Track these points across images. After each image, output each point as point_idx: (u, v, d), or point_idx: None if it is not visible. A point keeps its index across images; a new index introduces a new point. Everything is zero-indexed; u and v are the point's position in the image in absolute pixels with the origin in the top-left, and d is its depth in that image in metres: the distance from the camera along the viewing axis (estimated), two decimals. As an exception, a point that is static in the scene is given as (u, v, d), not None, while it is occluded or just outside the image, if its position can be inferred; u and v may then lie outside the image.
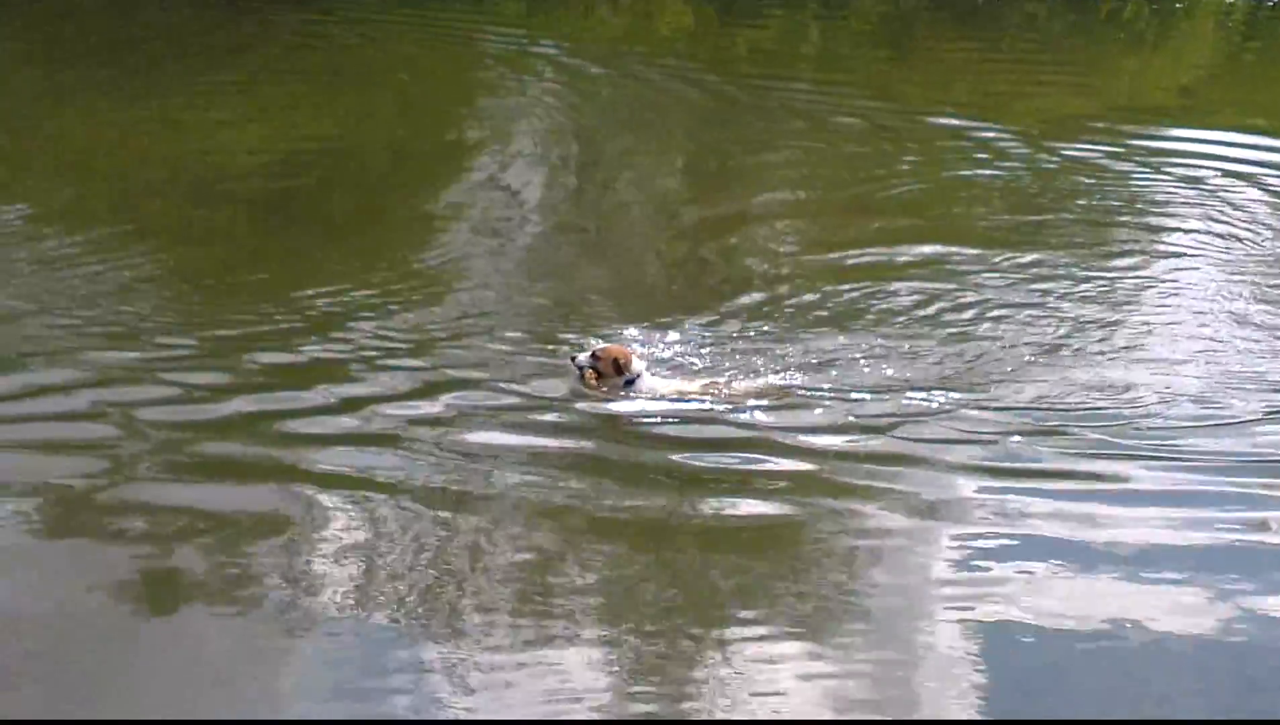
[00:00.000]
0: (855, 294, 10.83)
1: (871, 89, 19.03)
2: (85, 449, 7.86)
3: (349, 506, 7.46)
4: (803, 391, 8.90)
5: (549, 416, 8.52)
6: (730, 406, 8.62)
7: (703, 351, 9.55)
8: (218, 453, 7.94)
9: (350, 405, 8.50)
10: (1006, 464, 8.08)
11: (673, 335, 9.74)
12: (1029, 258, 11.67)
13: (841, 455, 8.11)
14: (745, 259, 12.18)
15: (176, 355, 9.13)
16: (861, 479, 7.89)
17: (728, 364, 9.36)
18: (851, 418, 8.58)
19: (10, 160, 15.80)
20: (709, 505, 7.67)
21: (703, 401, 8.69)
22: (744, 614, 6.72)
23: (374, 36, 22.31)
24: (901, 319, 10.32)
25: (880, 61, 21.90)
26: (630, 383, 8.64)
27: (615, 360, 8.65)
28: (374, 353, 9.32)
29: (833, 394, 8.91)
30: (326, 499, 7.50)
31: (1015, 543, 7.33)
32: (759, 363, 9.33)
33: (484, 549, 7.17)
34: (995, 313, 10.39)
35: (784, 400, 8.69)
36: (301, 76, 19.90)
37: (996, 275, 11.31)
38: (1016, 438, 8.31)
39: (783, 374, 9.11)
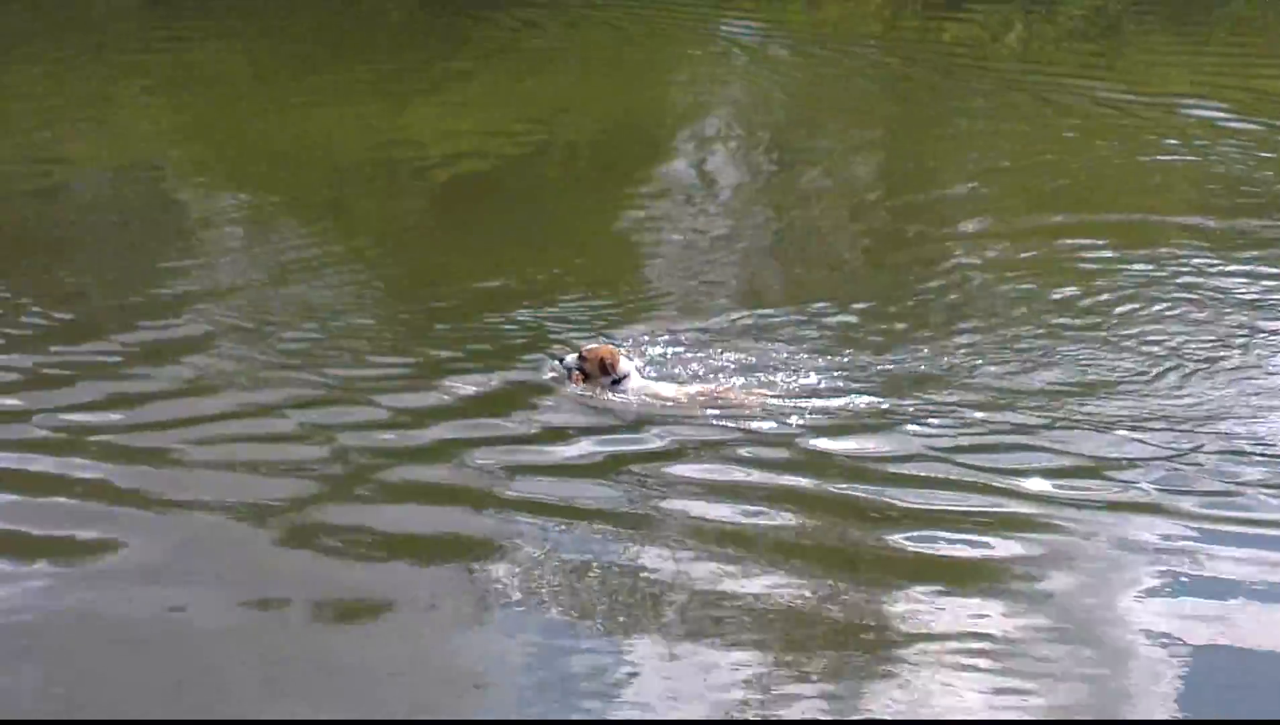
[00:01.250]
0: (1059, 297, 10.50)
1: (1082, 79, 18.48)
2: (289, 471, 7.75)
3: (548, 532, 7.21)
4: (980, 414, 8.54)
5: (750, 450, 8.15)
6: (719, 412, 8.47)
7: (919, 355, 9.37)
8: (419, 478, 7.78)
9: (555, 435, 8.30)
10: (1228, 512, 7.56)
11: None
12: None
13: (1049, 499, 7.65)
14: (937, 251, 11.91)
15: (384, 375, 9.02)
16: (1065, 519, 7.43)
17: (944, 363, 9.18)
18: (1051, 454, 8.12)
19: (227, 155, 16.14)
20: (897, 539, 7.26)
21: (690, 405, 8.56)
22: (920, 644, 6.40)
23: (581, 25, 22.36)
24: (1114, 329, 9.90)
25: (1088, 54, 21.25)
26: (617, 382, 8.54)
27: (602, 361, 8.56)
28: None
29: (1040, 421, 8.49)
30: (526, 524, 7.28)
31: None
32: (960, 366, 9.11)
33: (678, 573, 6.88)
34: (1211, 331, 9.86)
35: (754, 410, 8.48)
36: (514, 68, 20.04)
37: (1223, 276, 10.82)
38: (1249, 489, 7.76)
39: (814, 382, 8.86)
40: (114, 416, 8.36)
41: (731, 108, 18.70)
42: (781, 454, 8.13)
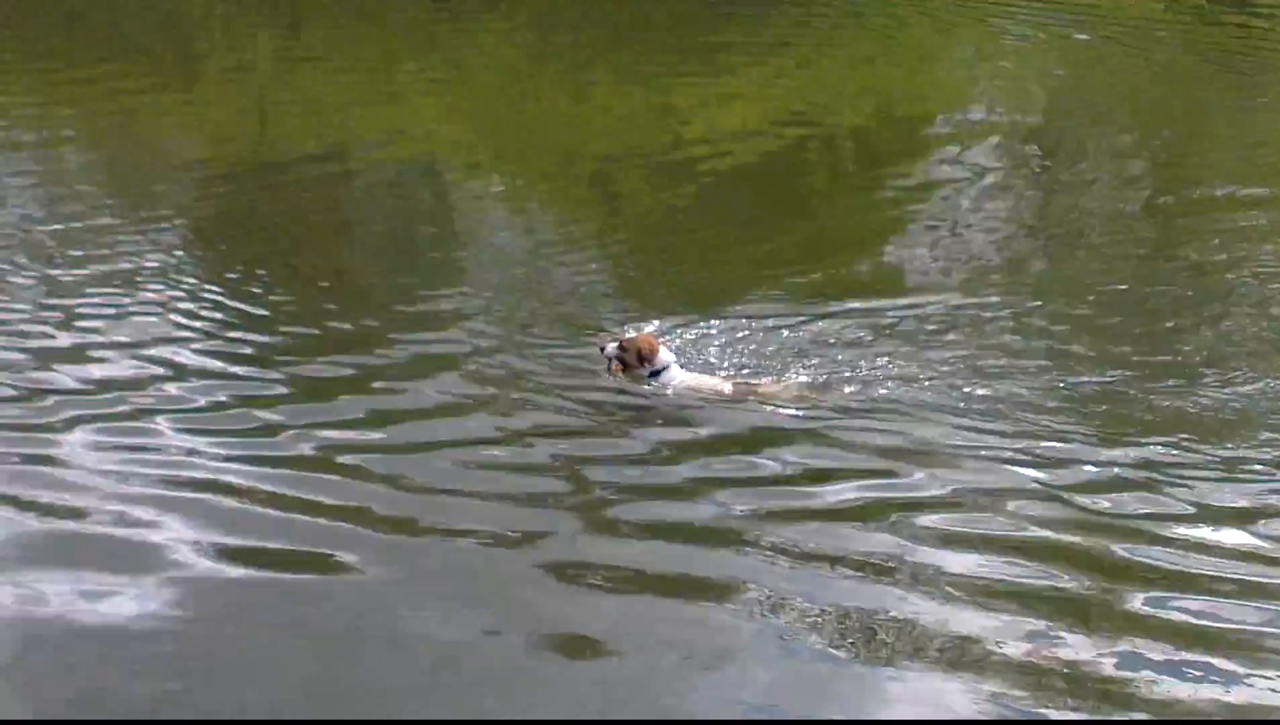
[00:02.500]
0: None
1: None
2: (534, 501, 7.53)
3: (789, 574, 6.85)
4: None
5: (999, 501, 7.60)
6: (761, 407, 8.32)
7: (1180, 389, 8.78)
8: (662, 515, 7.47)
9: (809, 477, 7.93)
10: None
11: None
12: None
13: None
14: (1215, 263, 11.28)
15: (636, 404, 8.81)
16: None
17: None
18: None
19: (500, 142, 16.32)
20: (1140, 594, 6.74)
21: (729, 399, 8.46)
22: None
23: (859, 16, 22.04)
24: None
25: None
26: (655, 374, 8.42)
27: (639, 351, 8.43)
28: (844, 415, 8.65)
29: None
30: (767, 566, 6.94)
31: None
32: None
33: (915, 616, 6.49)
34: None
35: (812, 405, 8.32)
36: (783, 61, 19.84)
37: None
38: None
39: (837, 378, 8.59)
40: (371, 435, 8.30)
41: (999, 97, 18.17)
42: (1033, 507, 7.60)
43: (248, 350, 9.54)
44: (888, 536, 7.22)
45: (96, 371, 8.99)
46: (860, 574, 6.87)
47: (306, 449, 8.04)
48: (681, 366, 8.76)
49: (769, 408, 8.62)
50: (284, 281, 10.97)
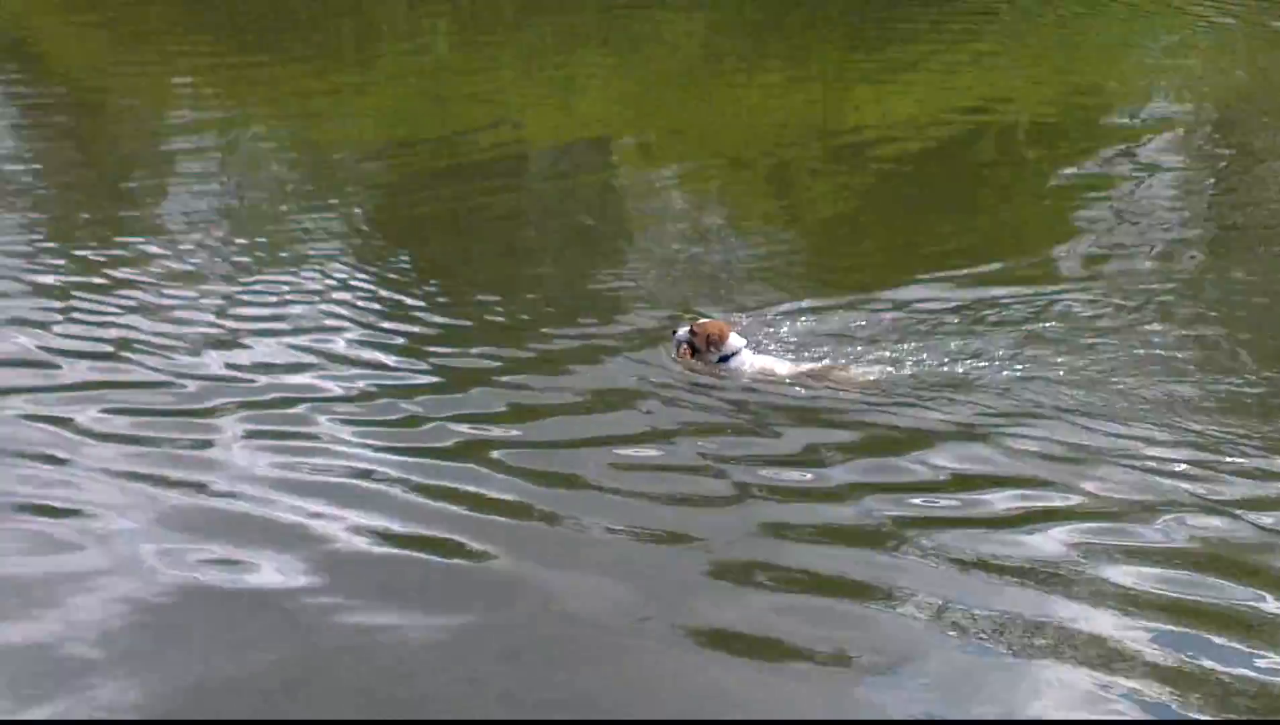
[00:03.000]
0: None
1: None
2: (680, 501, 7.24)
3: (949, 581, 6.48)
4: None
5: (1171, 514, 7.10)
6: (896, 407, 8.14)
7: None
8: (816, 519, 7.13)
9: (964, 483, 7.45)
10: None
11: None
12: None
13: None
14: None
15: (793, 405, 8.41)
16: None
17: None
18: None
19: (672, 130, 16.24)
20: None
21: (797, 384, 8.38)
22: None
23: (1043, 10, 21.56)
24: None
25: None
26: (725, 359, 8.39)
27: (709, 336, 8.43)
28: (989, 416, 8.19)
29: None
30: (931, 572, 6.57)
31: None
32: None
33: (1075, 626, 6.14)
34: None
35: (875, 393, 8.22)
36: (961, 54, 19.49)
37: None
38: None
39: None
40: (521, 426, 8.11)
41: (1189, 88, 17.46)
42: (1190, 516, 7.09)
43: (400, 340, 9.41)
44: (1042, 542, 6.84)
45: (251, 357, 8.94)
46: (1017, 579, 6.51)
47: (453, 439, 7.87)
48: (753, 351, 8.74)
49: (883, 401, 8.38)
50: (445, 270, 10.89)
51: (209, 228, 11.89)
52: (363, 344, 9.26)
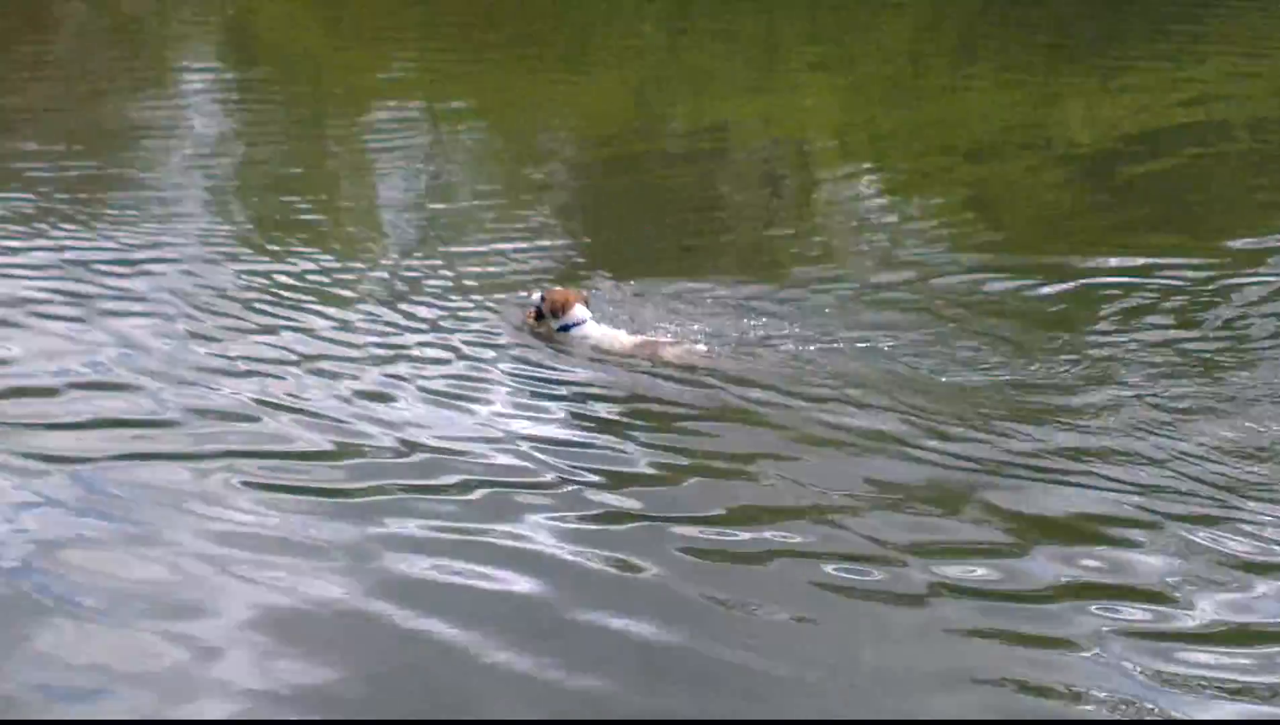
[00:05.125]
0: None
1: None
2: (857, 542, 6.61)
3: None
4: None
5: None
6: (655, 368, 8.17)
7: None
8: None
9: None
10: None
11: None
12: None
13: None
14: None
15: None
16: None
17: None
18: None
19: (872, 132, 15.78)
20: None
21: (627, 354, 8.43)
22: None
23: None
24: None
25: None
26: (565, 328, 8.60)
27: (553, 304, 8.67)
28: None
29: None
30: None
31: None
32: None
33: None
34: None
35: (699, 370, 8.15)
36: (1175, 54, 18.63)
37: None
38: None
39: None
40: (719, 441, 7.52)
41: None
42: None
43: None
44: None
45: (440, 352, 8.42)
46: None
47: (644, 448, 7.32)
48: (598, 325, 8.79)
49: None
50: (637, 264, 10.47)
51: (412, 218, 11.72)
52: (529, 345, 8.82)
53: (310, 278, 9.43)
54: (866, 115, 16.39)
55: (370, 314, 8.86)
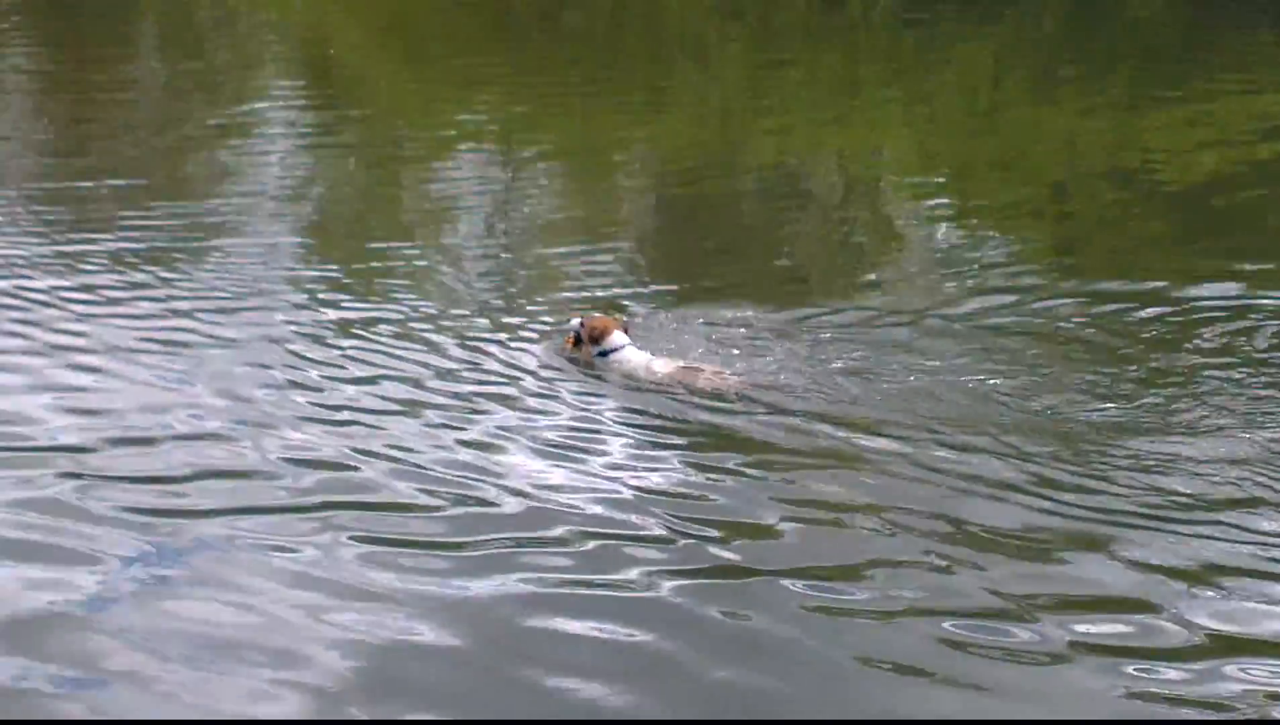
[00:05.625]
0: None
1: None
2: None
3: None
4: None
5: None
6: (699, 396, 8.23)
7: None
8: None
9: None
10: None
11: None
12: None
13: None
14: None
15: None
16: None
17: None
18: None
19: (951, 155, 15.70)
20: None
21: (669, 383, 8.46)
22: None
23: None
24: None
25: None
26: (604, 353, 8.71)
27: (592, 330, 8.81)
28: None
29: None
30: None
31: None
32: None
33: None
34: None
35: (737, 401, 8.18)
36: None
37: None
38: None
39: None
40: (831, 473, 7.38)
41: None
42: None
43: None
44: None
45: (542, 399, 8.26)
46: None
47: (751, 496, 7.15)
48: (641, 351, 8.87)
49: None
50: (709, 297, 10.29)
51: (484, 253, 11.69)
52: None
53: (406, 323, 9.31)
54: (948, 147, 16.24)
55: (468, 361, 8.73)
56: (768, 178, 14.50)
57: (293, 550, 6.34)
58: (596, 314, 9.15)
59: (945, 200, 13.90)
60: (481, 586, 6.09)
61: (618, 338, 8.82)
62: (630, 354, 8.77)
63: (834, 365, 8.77)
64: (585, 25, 24.89)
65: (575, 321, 8.97)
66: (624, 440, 7.72)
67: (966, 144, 16.26)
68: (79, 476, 6.89)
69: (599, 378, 8.66)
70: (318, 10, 26.84)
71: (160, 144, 15.49)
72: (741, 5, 26.69)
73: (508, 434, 7.60)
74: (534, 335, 9.32)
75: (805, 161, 15.36)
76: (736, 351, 9.02)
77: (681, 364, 8.68)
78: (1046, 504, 7.01)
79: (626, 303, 10.10)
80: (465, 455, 7.30)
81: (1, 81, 18.53)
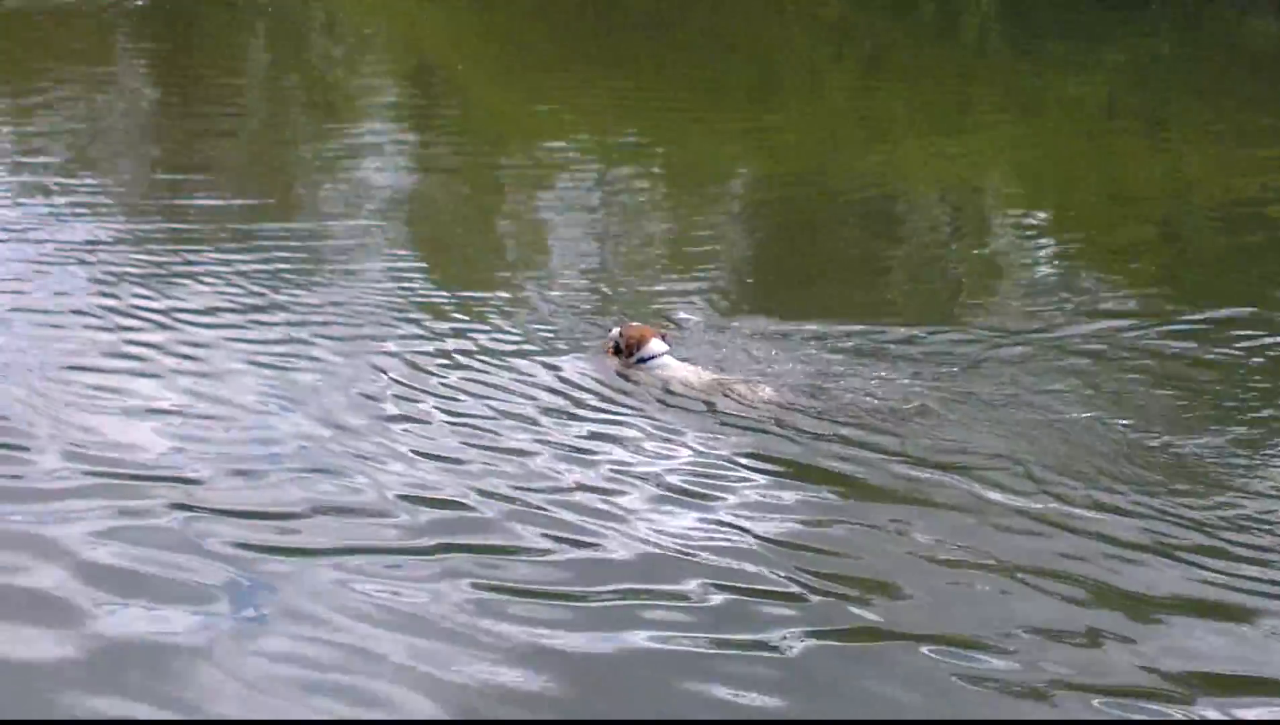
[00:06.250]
0: None
1: None
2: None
3: None
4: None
5: None
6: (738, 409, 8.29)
7: None
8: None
9: None
10: None
11: None
12: None
13: None
14: None
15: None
16: None
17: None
18: None
19: (1055, 186, 15.38)
20: None
21: (702, 392, 8.58)
22: None
23: None
24: None
25: None
26: (643, 361, 8.89)
27: (630, 339, 8.97)
28: None
29: None
30: None
31: None
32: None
33: None
34: None
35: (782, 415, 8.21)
36: None
37: None
38: None
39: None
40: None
41: None
42: None
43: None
44: None
45: (662, 442, 7.95)
46: None
47: (882, 549, 6.84)
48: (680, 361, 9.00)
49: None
50: (799, 315, 10.04)
51: (576, 272, 11.49)
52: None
53: (516, 354, 9.05)
54: (1056, 174, 15.93)
55: (582, 397, 8.48)
56: (872, 202, 14.19)
57: (402, 594, 6.09)
58: (635, 323, 9.34)
59: (1049, 228, 13.57)
60: (597, 641, 5.82)
61: (655, 346, 8.99)
62: (669, 362, 8.93)
63: (935, 394, 8.49)
64: (695, 41, 24.67)
65: (615, 331, 9.17)
66: (746, 484, 7.37)
67: (1074, 172, 15.94)
68: (188, 508, 6.69)
69: (718, 413, 8.35)
70: (429, 24, 26.72)
71: (278, 162, 15.37)
72: (854, 31, 26.34)
73: (627, 476, 7.31)
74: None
75: (910, 187, 15.05)
76: (823, 374, 8.87)
77: (719, 376, 8.73)
78: (1193, 568, 6.62)
79: (727, 325, 9.99)
80: (583, 497, 7.02)
81: (115, 101, 18.46)
